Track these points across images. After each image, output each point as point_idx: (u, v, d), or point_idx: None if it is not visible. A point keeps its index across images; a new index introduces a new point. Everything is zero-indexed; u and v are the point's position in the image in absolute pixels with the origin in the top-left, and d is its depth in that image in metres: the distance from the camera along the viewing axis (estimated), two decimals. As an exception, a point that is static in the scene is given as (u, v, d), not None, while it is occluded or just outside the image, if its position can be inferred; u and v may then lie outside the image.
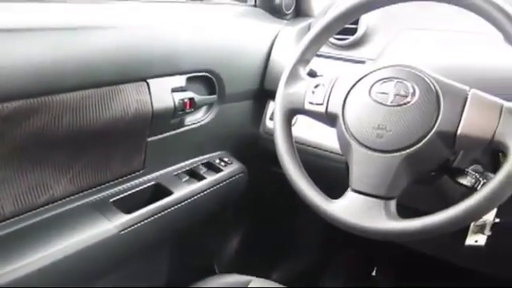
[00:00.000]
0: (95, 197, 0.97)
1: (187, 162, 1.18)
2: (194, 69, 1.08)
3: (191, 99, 1.06)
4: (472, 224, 0.90)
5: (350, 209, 0.74)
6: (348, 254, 1.73)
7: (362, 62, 1.14)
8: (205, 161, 1.21)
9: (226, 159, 1.24)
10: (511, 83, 0.72)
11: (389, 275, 1.66)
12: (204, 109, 1.17)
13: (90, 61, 0.85)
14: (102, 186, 0.98)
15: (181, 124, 1.10)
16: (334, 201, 0.77)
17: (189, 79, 1.07)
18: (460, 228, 0.69)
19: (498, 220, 0.89)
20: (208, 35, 1.12)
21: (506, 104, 0.68)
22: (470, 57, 0.96)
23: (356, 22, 1.17)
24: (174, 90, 1.03)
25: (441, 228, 0.67)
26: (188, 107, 1.06)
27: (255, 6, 1.36)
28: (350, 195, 0.75)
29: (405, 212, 0.72)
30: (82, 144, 0.90)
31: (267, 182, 1.31)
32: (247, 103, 1.29)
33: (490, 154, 0.84)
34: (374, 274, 1.69)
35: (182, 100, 1.04)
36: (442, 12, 0.99)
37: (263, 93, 1.28)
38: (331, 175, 0.98)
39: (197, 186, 1.12)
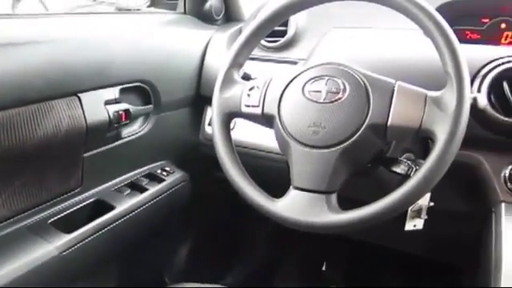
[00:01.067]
0: (32, 219, 0.93)
1: (128, 175, 1.15)
2: (126, 80, 1.06)
3: (126, 111, 1.04)
4: (409, 210, 0.95)
5: (293, 206, 0.75)
6: (298, 251, 1.76)
7: (295, 63, 1.16)
8: (146, 172, 1.19)
9: (167, 169, 1.23)
10: (433, 74, 0.76)
11: (339, 268, 1.71)
12: (141, 120, 1.15)
13: (19, 77, 0.82)
14: (39, 208, 0.94)
15: (117, 137, 1.08)
16: (277, 200, 0.78)
17: (122, 90, 1.05)
18: (398, 214, 0.73)
19: (432, 204, 0.94)
20: (139, 45, 1.11)
21: (430, 93, 0.72)
22: (395, 51, 1.01)
23: (286, 24, 1.20)
24: (107, 103, 1.01)
25: (380, 216, 0.70)
26: (124, 119, 1.04)
27: (185, 13, 1.36)
28: (292, 193, 0.77)
29: (347, 204, 0.74)
30: (13, 165, 0.86)
31: (211, 187, 1.30)
32: (185, 111, 1.28)
33: (420, 142, 0.88)
34: (324, 269, 1.72)
35: (117, 112, 1.02)
36: (367, 10, 1.04)
37: (200, 99, 1.28)
38: (274, 175, 1.00)
39: (139, 198, 1.10)
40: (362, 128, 0.73)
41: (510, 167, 0.91)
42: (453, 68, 0.70)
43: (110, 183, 1.10)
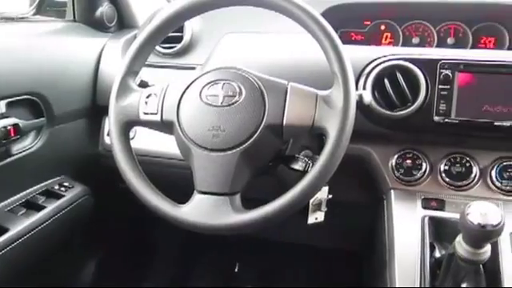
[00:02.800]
0: None
1: (22, 194, 1.08)
2: (13, 93, 0.99)
3: (15, 125, 0.98)
4: (310, 204, 0.99)
5: (198, 210, 0.75)
6: (209, 256, 1.76)
7: (192, 68, 1.17)
8: (43, 189, 1.12)
9: (66, 184, 1.17)
10: (322, 74, 0.80)
11: (251, 269, 1.74)
12: (33, 134, 1.09)
13: None
14: None
15: (7, 154, 1.01)
16: (181, 205, 0.78)
17: (10, 104, 0.99)
18: (300, 209, 0.76)
19: (330, 196, 1.00)
20: (26, 56, 1.05)
21: (320, 93, 0.77)
22: (287, 54, 1.05)
23: (181, 30, 1.20)
24: (-7, 118, 0.94)
25: (283, 212, 0.73)
26: (13, 134, 0.97)
27: (74, 20, 1.30)
28: (196, 197, 0.77)
29: (252, 204, 0.76)
30: None
31: (115, 199, 1.26)
32: (81, 122, 1.23)
33: (316, 139, 0.93)
34: (236, 270, 1.74)
35: (5, 128, 0.95)
36: (260, 15, 1.07)
37: (96, 109, 1.23)
38: (179, 182, 0.99)
39: (36, 217, 1.03)
40: (260, 129, 0.76)
41: (395, 156, 0.99)
42: (338, 68, 0.75)
43: (1, 204, 1.02)
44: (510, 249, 0.89)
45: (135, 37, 1.30)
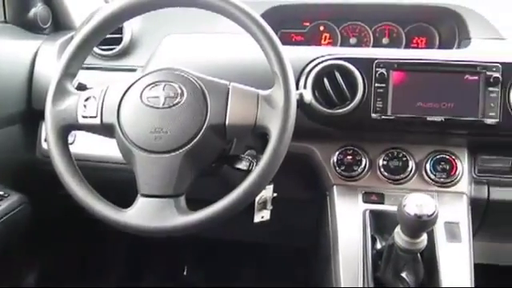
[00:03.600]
0: None
1: (-48, 206, 1.02)
2: None
3: None
4: (256, 202, 1.00)
5: (142, 213, 0.75)
6: (157, 260, 1.74)
7: (133, 70, 1.15)
8: (-25, 200, 1.07)
9: (1, 193, 1.11)
10: (263, 74, 0.82)
11: (199, 271, 1.73)
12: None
13: None
14: None
15: None
16: (125, 210, 0.76)
17: None
18: (245, 208, 0.77)
19: (275, 194, 1.01)
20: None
21: (261, 92, 0.78)
22: (228, 55, 1.06)
23: (121, 31, 1.18)
24: None
25: (228, 211, 0.74)
26: None
27: (6, 22, 1.24)
28: (140, 201, 0.76)
29: (198, 205, 0.76)
30: None
31: (56, 206, 1.22)
32: (16, 128, 1.18)
33: (260, 139, 0.94)
34: (185, 273, 1.73)
35: None
36: (201, 16, 1.07)
37: (32, 114, 1.18)
38: (123, 186, 0.97)
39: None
40: (203, 130, 0.76)
41: (337, 153, 1.02)
42: (278, 68, 0.76)
43: None
44: (444, 237, 0.94)
45: (72, 38, 1.26)
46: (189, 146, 0.75)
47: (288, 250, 1.48)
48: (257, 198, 1.00)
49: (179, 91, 0.78)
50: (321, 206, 1.08)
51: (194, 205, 0.77)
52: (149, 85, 0.79)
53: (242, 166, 0.83)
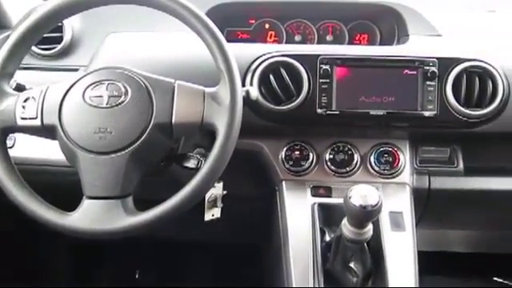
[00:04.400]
0: None
1: None
2: None
3: None
4: (206, 201, 1.00)
5: (88, 216, 0.73)
6: (107, 266, 1.70)
7: (75, 70, 1.11)
8: None
9: None
10: (209, 71, 0.82)
11: (151, 273, 1.70)
12: None
13: None
14: None
15: None
16: (70, 213, 0.74)
17: None
18: (195, 206, 0.77)
19: (225, 192, 1.02)
20: None
21: (207, 90, 0.78)
22: (173, 53, 1.05)
23: (61, 30, 1.14)
24: None
25: (177, 210, 0.73)
26: None
27: None
28: (85, 203, 0.74)
29: (148, 206, 0.75)
30: None
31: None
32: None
33: (209, 137, 0.94)
34: (137, 276, 1.70)
35: None
36: (145, 13, 1.05)
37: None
38: (68, 189, 0.94)
39: None
40: (149, 129, 0.75)
41: (285, 149, 1.04)
42: (224, 65, 0.76)
43: None
44: (389, 227, 0.98)
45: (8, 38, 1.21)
46: (134, 145, 0.74)
47: (241, 247, 1.49)
48: (207, 196, 1.00)
49: (123, 90, 0.76)
50: (271, 202, 1.09)
51: (144, 205, 0.76)
52: (91, 84, 0.77)
53: (191, 164, 0.82)
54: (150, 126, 0.75)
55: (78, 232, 0.73)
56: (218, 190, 1.00)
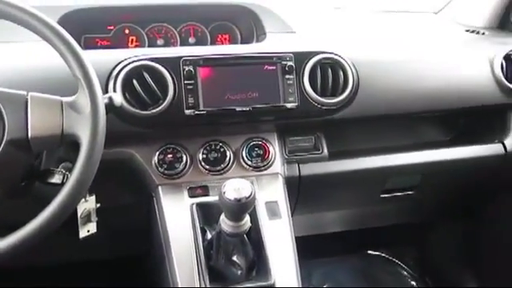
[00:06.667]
0: None
1: None
2: None
3: None
4: (79, 217, 0.95)
5: None
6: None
7: None
8: None
9: None
10: (66, 80, 0.78)
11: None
12: None
13: None
14: None
15: None
16: None
17: None
18: (67, 224, 0.72)
19: (99, 205, 0.97)
20: None
21: (65, 99, 0.74)
22: (27, 63, 0.97)
23: None
24: None
25: (43, 231, 0.68)
26: None
27: None
28: None
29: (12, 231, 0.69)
30: None
31: None
32: None
33: (73, 148, 0.89)
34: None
35: None
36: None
37: None
38: None
39: None
40: (1, 146, 0.69)
41: (157, 154, 1.03)
42: (80, 72, 0.73)
43: None
44: (266, 216, 1.02)
45: None
46: None
47: (124, 261, 1.43)
48: (79, 212, 0.95)
49: None
50: (148, 209, 1.07)
51: (8, 231, 0.70)
52: None
53: (55, 179, 0.78)
54: (3, 144, 0.69)
55: None
56: (90, 203, 0.95)
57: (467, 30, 1.45)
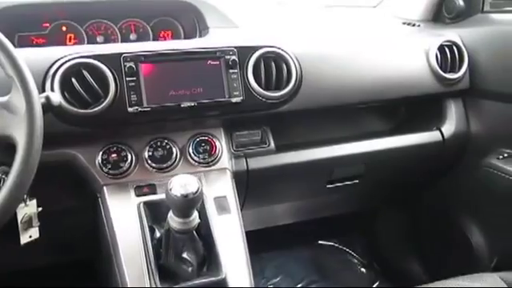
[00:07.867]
0: None
1: None
2: None
3: None
4: (19, 222, 0.91)
5: None
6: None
7: None
8: None
9: None
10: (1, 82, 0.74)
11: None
12: None
13: None
14: None
15: None
16: None
17: None
18: (5, 231, 0.69)
19: (40, 209, 0.94)
20: None
21: None
22: None
23: None
24: None
25: None
26: None
27: None
28: None
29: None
30: None
31: None
32: None
33: (9, 151, 0.86)
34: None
35: None
36: None
37: None
38: None
39: None
40: None
41: (101, 153, 1.00)
42: (13, 71, 0.70)
43: None
44: (215, 212, 1.01)
45: None
46: None
47: (71, 266, 1.38)
48: (19, 217, 0.91)
49: None
50: (94, 210, 1.04)
51: None
52: None
53: (-9, 184, 0.74)
54: None
55: None
56: (31, 208, 0.92)
57: (404, 23, 1.50)
